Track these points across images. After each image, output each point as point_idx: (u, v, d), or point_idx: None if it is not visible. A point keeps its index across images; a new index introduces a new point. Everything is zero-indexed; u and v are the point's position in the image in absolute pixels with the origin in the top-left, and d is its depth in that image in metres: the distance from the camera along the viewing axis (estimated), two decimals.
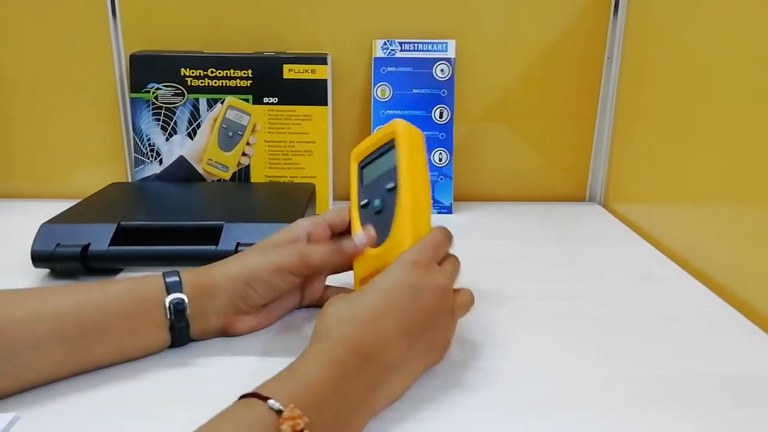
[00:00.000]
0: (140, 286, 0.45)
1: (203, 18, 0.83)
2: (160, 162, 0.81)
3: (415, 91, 0.83)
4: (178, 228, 0.61)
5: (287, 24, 0.83)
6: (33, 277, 0.59)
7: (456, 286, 0.46)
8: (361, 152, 0.54)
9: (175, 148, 0.81)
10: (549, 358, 0.47)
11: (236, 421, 0.31)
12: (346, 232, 0.51)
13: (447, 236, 0.47)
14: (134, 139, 0.81)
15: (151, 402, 0.40)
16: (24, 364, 0.40)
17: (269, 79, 0.80)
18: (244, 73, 0.79)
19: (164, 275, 0.45)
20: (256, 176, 0.82)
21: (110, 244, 0.58)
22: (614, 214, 0.84)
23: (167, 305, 0.44)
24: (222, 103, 0.80)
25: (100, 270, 0.59)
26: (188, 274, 0.46)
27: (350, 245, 0.48)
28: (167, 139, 0.81)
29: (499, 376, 0.44)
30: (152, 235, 0.60)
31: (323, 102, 0.80)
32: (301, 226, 0.50)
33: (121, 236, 0.59)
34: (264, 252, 0.48)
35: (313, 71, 0.80)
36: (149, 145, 0.81)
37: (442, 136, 0.83)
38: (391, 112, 0.83)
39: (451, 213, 0.84)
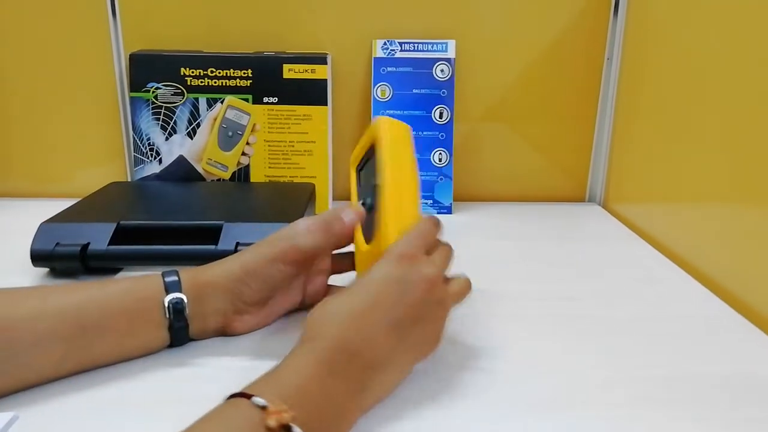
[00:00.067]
0: (139, 285, 0.45)
1: (203, 18, 0.83)
2: (160, 161, 0.81)
3: (415, 91, 0.83)
4: (177, 227, 0.61)
5: (287, 24, 0.83)
6: (32, 276, 0.59)
7: (463, 295, 0.46)
8: (355, 157, 0.55)
9: (174, 148, 0.81)
10: (549, 358, 0.47)
11: (222, 421, 0.31)
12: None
13: (435, 224, 0.46)
14: (134, 139, 0.81)
15: (150, 401, 0.40)
16: (24, 363, 0.40)
17: (269, 79, 0.80)
18: (244, 73, 0.79)
19: (163, 275, 0.45)
20: (256, 176, 0.82)
21: (110, 244, 0.58)
22: (614, 214, 0.83)
23: (166, 305, 0.44)
24: (222, 102, 0.80)
25: (99, 269, 0.59)
26: (187, 274, 0.46)
27: (339, 224, 0.48)
28: (167, 139, 0.81)
29: (499, 376, 0.44)
30: (152, 235, 0.60)
31: (323, 102, 0.80)
32: (299, 222, 0.50)
33: (120, 236, 0.59)
34: (256, 246, 0.48)
35: (313, 71, 0.80)
36: (149, 144, 0.81)
37: (442, 136, 0.83)
38: (391, 112, 0.83)
39: (450, 213, 0.83)
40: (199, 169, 0.81)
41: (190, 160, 0.81)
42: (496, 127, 0.87)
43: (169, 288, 0.44)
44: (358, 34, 0.83)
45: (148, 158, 0.81)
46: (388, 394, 0.40)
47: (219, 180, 0.82)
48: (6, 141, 0.86)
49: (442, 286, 0.43)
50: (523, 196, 0.90)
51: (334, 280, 0.53)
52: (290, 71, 0.79)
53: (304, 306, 0.52)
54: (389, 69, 0.83)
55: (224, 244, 0.58)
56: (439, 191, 0.84)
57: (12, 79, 0.83)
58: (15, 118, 0.85)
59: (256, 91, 0.80)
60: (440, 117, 0.83)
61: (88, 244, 0.58)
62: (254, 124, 0.81)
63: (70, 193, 0.79)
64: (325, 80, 0.80)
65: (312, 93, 0.80)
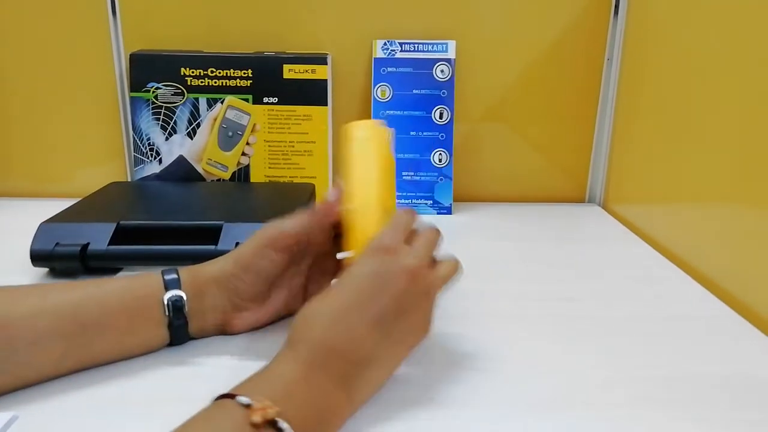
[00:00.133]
0: (139, 283, 0.45)
1: (203, 18, 0.83)
2: (160, 161, 0.81)
3: (415, 91, 0.83)
4: (177, 227, 0.61)
5: (287, 24, 0.83)
6: (32, 276, 0.59)
7: (450, 277, 0.45)
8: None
9: (174, 148, 0.81)
10: (549, 358, 0.47)
11: (208, 421, 0.32)
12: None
13: (410, 214, 0.46)
14: (134, 139, 0.81)
15: (150, 400, 0.40)
16: (23, 361, 0.40)
17: (269, 79, 0.80)
18: (244, 73, 0.79)
19: (163, 273, 0.45)
20: (256, 176, 0.82)
21: (109, 244, 0.58)
22: (614, 215, 0.83)
23: (166, 302, 0.44)
24: (222, 102, 0.80)
25: (99, 269, 0.59)
26: (186, 272, 0.46)
27: (322, 204, 0.47)
28: (167, 139, 0.81)
29: (499, 376, 0.44)
30: (151, 235, 0.60)
31: (323, 102, 0.80)
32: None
33: (120, 236, 0.59)
34: (247, 240, 0.48)
35: (313, 71, 0.80)
36: (149, 144, 0.81)
37: (442, 136, 0.83)
38: (391, 112, 0.83)
39: (450, 213, 0.83)
40: (199, 169, 0.81)
41: (190, 160, 0.81)
42: (496, 128, 0.87)
43: (168, 285, 0.44)
44: (359, 34, 0.83)
45: (148, 158, 0.81)
46: (380, 387, 0.40)
47: (219, 180, 0.82)
48: (6, 141, 0.86)
49: (425, 274, 0.42)
50: (523, 197, 0.90)
51: None
52: (290, 71, 0.80)
53: None
54: (389, 69, 0.83)
55: (224, 244, 0.58)
56: (439, 192, 0.84)
57: (12, 79, 0.83)
58: (15, 118, 0.85)
59: (256, 91, 0.80)
60: (440, 117, 0.83)
61: (88, 244, 0.58)
62: (254, 124, 0.81)
63: (70, 193, 0.79)
64: (325, 80, 0.80)
65: (312, 93, 0.80)
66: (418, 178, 0.83)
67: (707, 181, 0.62)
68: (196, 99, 0.80)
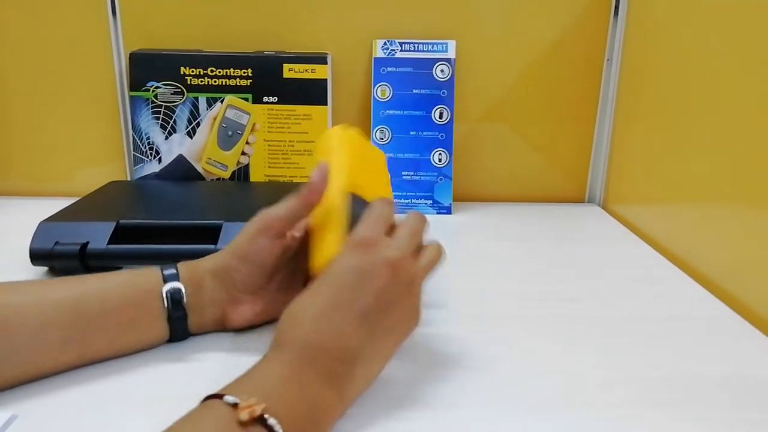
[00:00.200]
0: (138, 277, 0.45)
1: (203, 17, 0.83)
2: (160, 161, 0.81)
3: (415, 91, 0.83)
4: (177, 227, 0.61)
5: (287, 24, 0.83)
6: (31, 275, 0.59)
7: (442, 268, 0.45)
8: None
9: (174, 147, 0.81)
10: (549, 358, 0.47)
11: (196, 422, 0.32)
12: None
13: (386, 204, 0.45)
14: (134, 138, 0.81)
15: (150, 397, 0.40)
16: (23, 356, 0.40)
17: (269, 79, 0.79)
18: (244, 73, 0.79)
19: (162, 268, 0.46)
20: (256, 175, 0.82)
21: (109, 243, 0.58)
22: (613, 215, 0.83)
23: (164, 294, 0.44)
24: (222, 102, 0.80)
25: (98, 268, 0.59)
26: (185, 266, 0.46)
27: (308, 186, 0.47)
28: (166, 138, 0.81)
29: (499, 376, 0.44)
30: (151, 234, 0.60)
31: (323, 102, 0.80)
32: None
33: (119, 235, 0.59)
34: (240, 233, 0.48)
35: (313, 71, 0.80)
36: (148, 143, 0.81)
37: (442, 136, 0.83)
38: (391, 112, 0.83)
39: (450, 213, 0.83)
40: (199, 169, 0.81)
41: (189, 160, 0.81)
42: (496, 127, 0.87)
43: (167, 279, 0.45)
44: (358, 34, 0.83)
45: (147, 157, 0.81)
46: (371, 383, 0.40)
47: (218, 179, 0.82)
48: (6, 140, 0.85)
49: (408, 264, 0.41)
50: (523, 197, 0.90)
51: None
52: (290, 71, 0.79)
53: None
54: (389, 69, 0.83)
55: (224, 243, 0.58)
56: (438, 191, 0.84)
57: (12, 79, 0.83)
58: (15, 118, 0.85)
59: (256, 90, 0.80)
60: (440, 117, 0.83)
61: (88, 243, 0.58)
62: (254, 124, 0.81)
63: (70, 192, 0.79)
64: (325, 80, 0.80)
65: (312, 93, 0.80)
66: (417, 177, 0.83)
67: (707, 181, 0.62)
68: (196, 98, 0.80)
